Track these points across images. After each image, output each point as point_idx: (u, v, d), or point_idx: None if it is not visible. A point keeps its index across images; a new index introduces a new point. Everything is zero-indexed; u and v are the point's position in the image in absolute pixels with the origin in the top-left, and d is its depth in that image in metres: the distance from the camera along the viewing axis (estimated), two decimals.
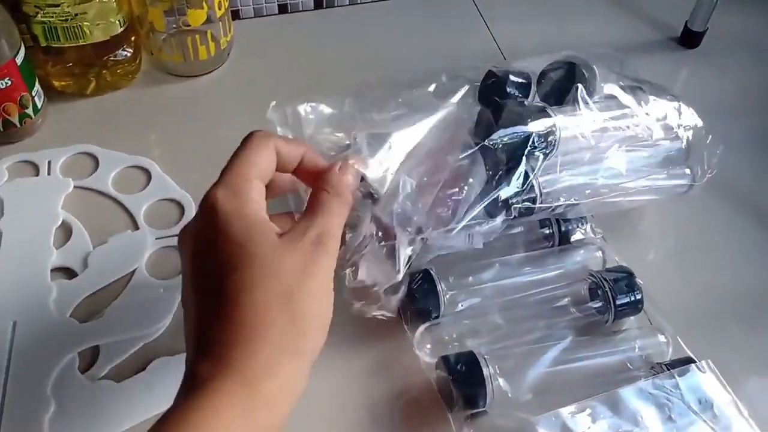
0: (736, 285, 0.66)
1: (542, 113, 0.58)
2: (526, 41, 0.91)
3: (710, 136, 0.66)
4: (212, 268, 0.41)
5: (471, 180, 0.55)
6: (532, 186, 0.57)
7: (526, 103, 0.63)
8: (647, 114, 0.63)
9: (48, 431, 0.54)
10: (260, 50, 0.89)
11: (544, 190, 0.58)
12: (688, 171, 0.66)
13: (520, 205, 0.57)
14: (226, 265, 0.41)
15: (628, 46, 0.91)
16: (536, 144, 0.57)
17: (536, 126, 0.57)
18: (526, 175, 0.56)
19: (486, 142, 0.56)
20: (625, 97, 0.62)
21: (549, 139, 0.58)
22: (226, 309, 0.40)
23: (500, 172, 0.56)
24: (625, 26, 0.95)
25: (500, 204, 0.56)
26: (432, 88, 0.61)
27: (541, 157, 0.57)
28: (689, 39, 0.91)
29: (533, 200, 0.58)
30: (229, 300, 0.40)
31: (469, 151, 0.55)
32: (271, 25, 0.93)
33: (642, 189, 0.64)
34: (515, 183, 0.56)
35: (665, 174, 0.65)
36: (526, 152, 0.56)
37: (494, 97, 0.61)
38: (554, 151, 0.58)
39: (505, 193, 0.56)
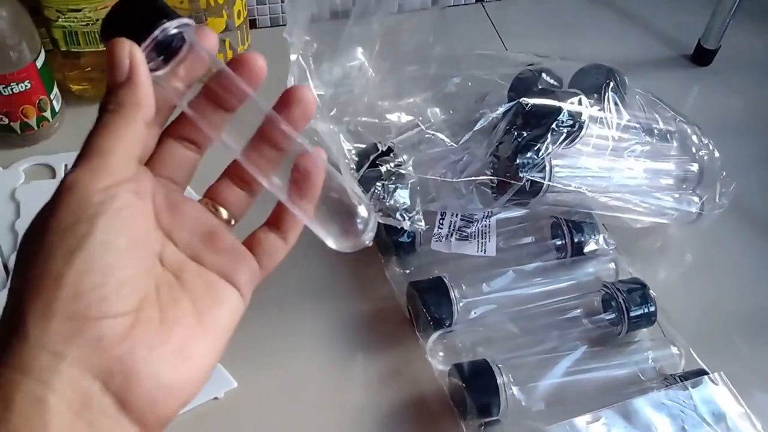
0: (748, 301, 0.66)
1: (575, 96, 0.59)
2: None
3: (724, 172, 0.67)
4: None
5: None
6: (544, 166, 0.58)
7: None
8: (668, 128, 0.63)
9: None
10: (276, 59, 0.89)
11: (557, 174, 0.58)
12: (697, 199, 0.67)
13: (530, 176, 0.57)
14: None
15: (640, 63, 0.92)
16: (564, 120, 0.57)
17: (567, 105, 0.58)
18: (545, 148, 0.57)
19: (521, 100, 0.56)
20: (649, 109, 0.63)
21: (576, 120, 0.58)
22: None
23: (524, 132, 0.57)
24: (637, 43, 0.95)
25: (511, 166, 0.57)
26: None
27: (565, 133, 0.57)
28: (702, 57, 0.91)
29: (543, 178, 0.58)
30: None
31: (506, 105, 0.56)
32: (283, 36, 0.93)
33: (651, 209, 0.64)
34: (533, 148, 0.56)
35: (676, 195, 0.66)
36: (553, 124, 0.57)
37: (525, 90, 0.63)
38: (579, 133, 0.58)
39: (521, 154, 0.56)
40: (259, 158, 0.35)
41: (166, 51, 0.34)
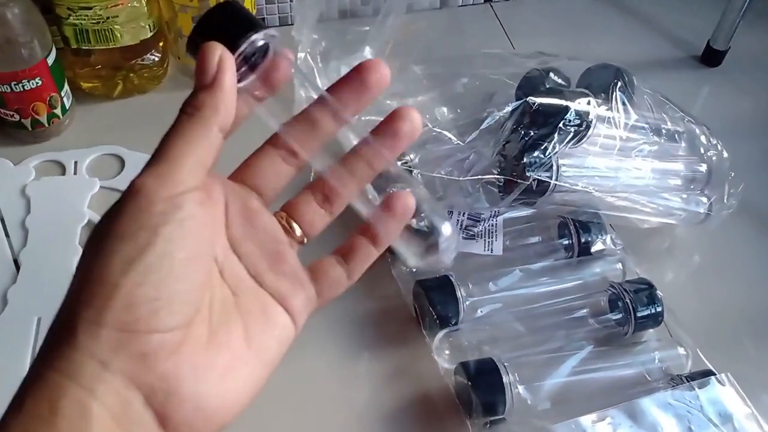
0: (756, 302, 0.66)
1: (583, 96, 0.60)
2: None
3: (732, 173, 0.67)
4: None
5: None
6: (551, 166, 0.58)
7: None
8: (677, 128, 0.63)
9: None
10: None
11: (564, 173, 0.58)
12: (705, 200, 0.67)
13: (536, 175, 0.58)
14: None
15: (649, 63, 0.92)
16: (571, 119, 0.58)
17: (575, 104, 0.58)
18: (552, 147, 0.57)
19: (528, 99, 0.57)
20: (657, 109, 0.63)
21: (584, 120, 0.58)
22: None
23: (531, 131, 0.57)
24: (646, 43, 0.95)
25: (518, 165, 0.57)
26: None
27: (572, 132, 0.57)
28: (711, 57, 0.91)
29: (549, 177, 0.58)
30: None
31: (513, 104, 0.56)
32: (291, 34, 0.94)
33: (659, 210, 0.64)
34: (540, 147, 0.56)
35: (684, 195, 0.66)
36: (560, 123, 0.57)
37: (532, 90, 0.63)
38: (587, 133, 0.58)
39: (528, 153, 0.56)
40: (349, 177, 0.35)
41: (252, 62, 0.34)
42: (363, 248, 0.36)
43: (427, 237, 0.34)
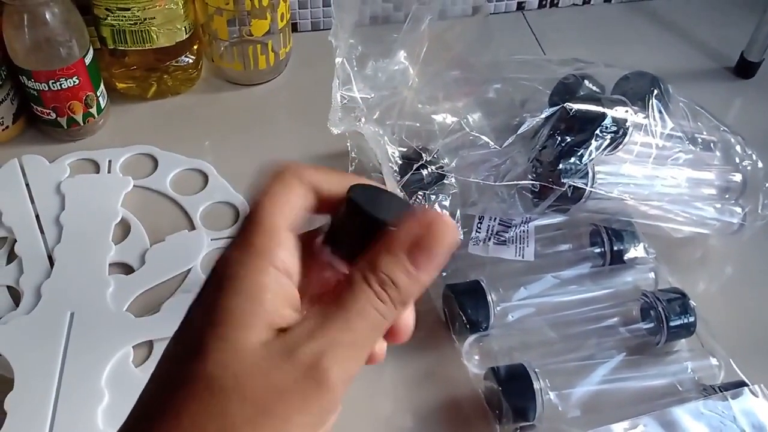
0: None
1: (619, 103, 0.59)
2: None
3: (767, 184, 0.66)
4: (179, 350, 0.29)
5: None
6: (587, 172, 0.57)
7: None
8: (712, 138, 0.63)
9: (101, 422, 0.55)
10: (316, 63, 0.90)
11: (599, 181, 0.58)
12: (739, 210, 0.66)
13: (571, 182, 0.57)
14: (183, 358, 0.28)
15: (681, 74, 0.91)
16: (608, 126, 0.57)
17: (612, 111, 0.58)
18: (588, 154, 0.57)
19: (565, 105, 0.56)
20: (692, 119, 0.63)
21: (620, 127, 0.58)
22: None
23: (567, 137, 0.57)
24: (678, 54, 0.95)
25: (553, 171, 0.57)
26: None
27: (608, 139, 0.57)
28: (744, 69, 0.91)
29: (585, 184, 0.58)
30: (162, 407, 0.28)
31: (550, 110, 0.56)
32: (328, 39, 0.94)
33: (692, 219, 0.64)
34: (576, 154, 0.56)
35: (718, 205, 0.65)
36: (597, 130, 0.57)
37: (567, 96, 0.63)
38: (623, 140, 0.58)
39: (564, 160, 0.56)
40: None
41: None
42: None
43: None
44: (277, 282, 0.29)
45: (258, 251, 0.29)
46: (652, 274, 0.64)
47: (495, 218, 0.63)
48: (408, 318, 0.32)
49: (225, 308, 0.28)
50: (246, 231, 0.29)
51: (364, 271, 0.29)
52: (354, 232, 0.30)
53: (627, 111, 0.59)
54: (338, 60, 0.60)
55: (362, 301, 0.28)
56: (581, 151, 0.57)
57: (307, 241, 0.31)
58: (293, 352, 0.27)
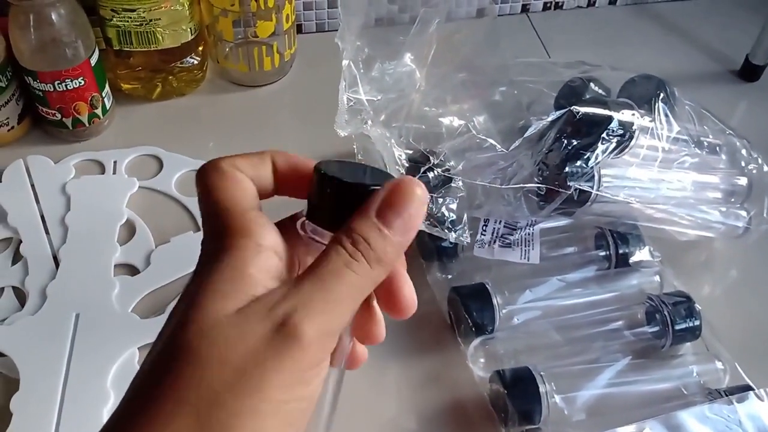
0: None
1: (626, 106, 0.59)
2: None
3: None
4: (164, 327, 0.30)
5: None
6: (593, 176, 0.57)
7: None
8: (717, 141, 0.63)
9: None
10: (321, 64, 0.90)
11: (605, 184, 0.58)
12: (744, 213, 0.66)
13: (578, 185, 0.57)
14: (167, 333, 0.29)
15: (686, 77, 0.91)
16: (614, 129, 0.57)
17: (618, 115, 0.58)
18: (594, 157, 0.57)
19: (572, 108, 0.56)
20: (698, 122, 0.63)
21: (627, 130, 0.58)
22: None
23: (573, 140, 0.57)
24: (683, 57, 0.95)
25: (560, 174, 0.57)
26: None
27: (615, 142, 0.57)
28: (749, 72, 0.91)
29: (591, 187, 0.58)
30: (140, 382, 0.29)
31: (557, 113, 0.56)
32: (333, 41, 0.94)
33: (698, 223, 0.64)
34: (583, 157, 0.56)
35: (723, 209, 0.65)
36: (604, 133, 0.57)
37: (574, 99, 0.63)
38: (629, 143, 0.58)
39: (570, 163, 0.56)
40: None
41: None
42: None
43: None
44: (261, 256, 0.29)
45: (236, 231, 0.29)
46: (657, 278, 0.64)
47: (500, 221, 0.63)
48: (406, 288, 0.32)
49: (206, 282, 0.28)
50: (216, 219, 0.30)
51: (338, 235, 0.30)
52: (330, 204, 0.31)
53: (633, 114, 0.59)
54: (345, 62, 0.59)
55: (334, 260, 0.29)
56: (587, 154, 0.57)
57: (291, 227, 0.32)
58: (266, 314, 0.28)
